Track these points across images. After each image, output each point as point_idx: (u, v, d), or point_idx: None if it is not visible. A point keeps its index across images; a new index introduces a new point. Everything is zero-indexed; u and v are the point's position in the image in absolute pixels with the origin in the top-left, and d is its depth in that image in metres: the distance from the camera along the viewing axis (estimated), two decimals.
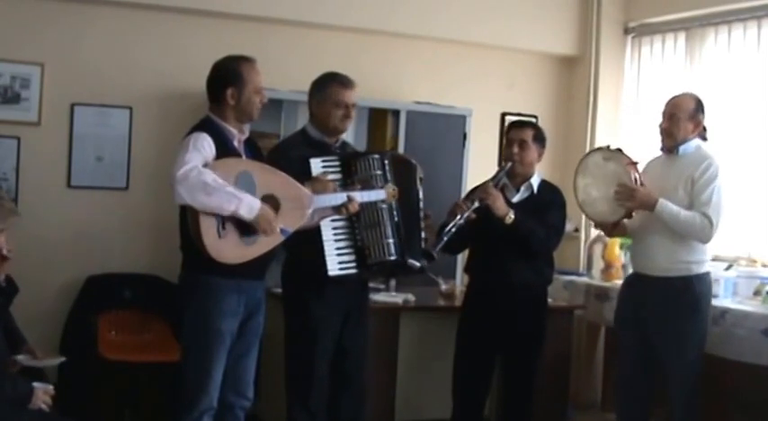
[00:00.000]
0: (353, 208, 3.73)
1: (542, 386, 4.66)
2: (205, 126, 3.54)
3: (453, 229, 4.01)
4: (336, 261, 3.83)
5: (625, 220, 4.29)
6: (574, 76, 6.46)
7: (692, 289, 4.14)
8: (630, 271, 4.52)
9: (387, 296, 4.94)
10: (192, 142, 3.41)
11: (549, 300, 5.16)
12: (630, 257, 4.46)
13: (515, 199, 4.26)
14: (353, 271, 3.89)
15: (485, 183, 4.21)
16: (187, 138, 3.46)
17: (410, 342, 4.88)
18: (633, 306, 4.31)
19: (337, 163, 3.90)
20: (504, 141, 4.36)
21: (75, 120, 5.14)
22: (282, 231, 3.50)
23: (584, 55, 6.32)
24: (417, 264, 3.99)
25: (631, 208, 4.17)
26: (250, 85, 3.56)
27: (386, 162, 3.94)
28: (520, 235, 4.15)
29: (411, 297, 4.94)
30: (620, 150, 4.30)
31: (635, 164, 4.21)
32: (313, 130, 4.04)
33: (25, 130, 5.02)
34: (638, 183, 4.13)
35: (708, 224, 4.05)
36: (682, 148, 4.21)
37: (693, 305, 4.15)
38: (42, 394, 3.33)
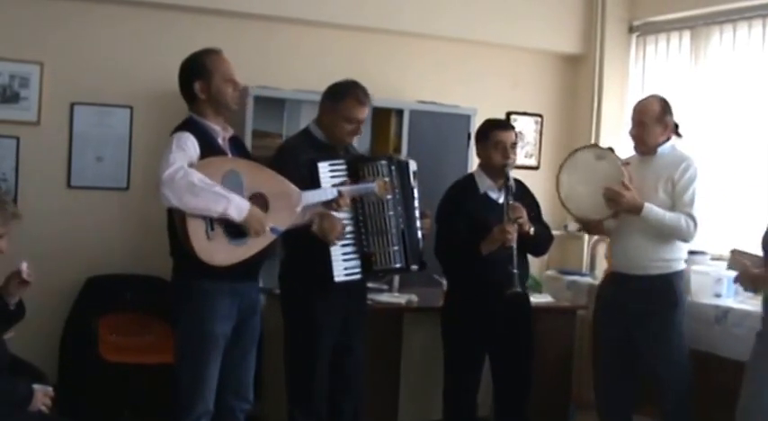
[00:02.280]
0: (344, 203, 3.70)
1: (544, 386, 4.70)
2: (187, 125, 3.49)
3: (516, 259, 3.98)
4: (342, 266, 3.82)
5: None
6: (578, 74, 6.43)
7: (673, 286, 4.20)
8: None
9: (390, 297, 4.93)
10: (176, 142, 3.36)
11: (552, 299, 5.18)
12: (609, 257, 4.48)
13: (501, 200, 4.19)
14: (358, 276, 3.88)
15: (507, 201, 4.11)
16: (170, 138, 3.41)
17: (413, 342, 4.87)
18: (614, 305, 4.32)
19: (344, 166, 3.85)
20: (489, 144, 4.24)
21: (74, 119, 5.09)
22: (273, 230, 3.45)
23: (589, 54, 6.30)
24: (417, 267, 4.01)
25: (618, 210, 4.19)
26: (217, 74, 3.50)
27: (392, 168, 3.93)
28: (536, 242, 4.18)
29: (414, 297, 4.93)
30: (611, 149, 4.31)
31: (626, 164, 4.24)
32: (318, 132, 3.99)
33: (24, 130, 4.97)
34: (630, 182, 4.14)
35: (693, 225, 4.11)
36: (660, 150, 4.25)
37: (675, 302, 4.20)
38: (42, 396, 3.30)
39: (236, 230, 3.35)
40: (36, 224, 4.73)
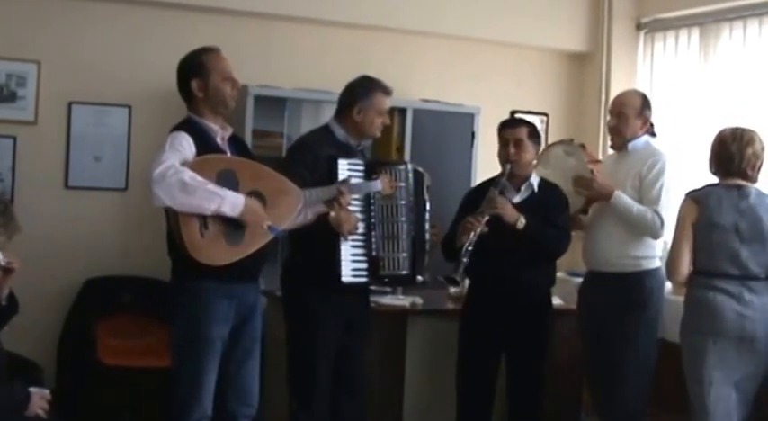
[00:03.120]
0: (345, 201, 3.65)
1: (555, 390, 4.64)
2: (185, 125, 3.44)
3: (470, 248, 3.94)
4: (350, 268, 3.80)
5: (581, 216, 4.33)
6: (585, 72, 6.39)
7: (643, 285, 4.15)
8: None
9: (394, 299, 4.87)
10: (170, 142, 3.32)
11: (562, 302, 5.10)
12: (582, 255, 4.45)
13: (516, 199, 4.16)
14: (364, 279, 3.88)
15: (488, 193, 4.09)
16: (165, 138, 3.37)
17: (418, 345, 4.81)
18: (591, 307, 4.30)
19: (362, 167, 3.86)
20: (498, 141, 4.25)
21: (72, 119, 5.06)
22: (271, 229, 3.38)
23: (596, 51, 6.26)
24: (422, 278, 4.02)
25: (588, 197, 4.20)
26: (215, 73, 3.46)
27: (410, 174, 3.95)
28: (532, 239, 4.08)
29: (419, 300, 4.88)
30: (582, 146, 4.35)
31: (597, 162, 4.27)
32: (339, 130, 3.96)
33: (21, 130, 4.94)
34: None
35: (659, 222, 4.08)
36: (631, 145, 4.26)
37: (643, 301, 4.15)
38: (39, 399, 3.28)
39: (235, 227, 3.29)
40: (33, 225, 4.62)
